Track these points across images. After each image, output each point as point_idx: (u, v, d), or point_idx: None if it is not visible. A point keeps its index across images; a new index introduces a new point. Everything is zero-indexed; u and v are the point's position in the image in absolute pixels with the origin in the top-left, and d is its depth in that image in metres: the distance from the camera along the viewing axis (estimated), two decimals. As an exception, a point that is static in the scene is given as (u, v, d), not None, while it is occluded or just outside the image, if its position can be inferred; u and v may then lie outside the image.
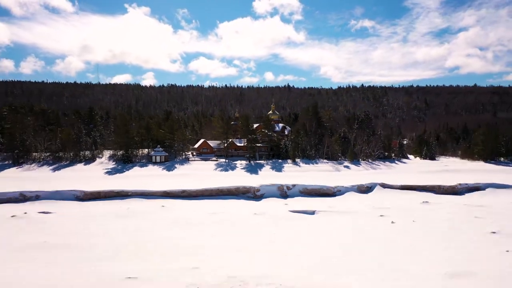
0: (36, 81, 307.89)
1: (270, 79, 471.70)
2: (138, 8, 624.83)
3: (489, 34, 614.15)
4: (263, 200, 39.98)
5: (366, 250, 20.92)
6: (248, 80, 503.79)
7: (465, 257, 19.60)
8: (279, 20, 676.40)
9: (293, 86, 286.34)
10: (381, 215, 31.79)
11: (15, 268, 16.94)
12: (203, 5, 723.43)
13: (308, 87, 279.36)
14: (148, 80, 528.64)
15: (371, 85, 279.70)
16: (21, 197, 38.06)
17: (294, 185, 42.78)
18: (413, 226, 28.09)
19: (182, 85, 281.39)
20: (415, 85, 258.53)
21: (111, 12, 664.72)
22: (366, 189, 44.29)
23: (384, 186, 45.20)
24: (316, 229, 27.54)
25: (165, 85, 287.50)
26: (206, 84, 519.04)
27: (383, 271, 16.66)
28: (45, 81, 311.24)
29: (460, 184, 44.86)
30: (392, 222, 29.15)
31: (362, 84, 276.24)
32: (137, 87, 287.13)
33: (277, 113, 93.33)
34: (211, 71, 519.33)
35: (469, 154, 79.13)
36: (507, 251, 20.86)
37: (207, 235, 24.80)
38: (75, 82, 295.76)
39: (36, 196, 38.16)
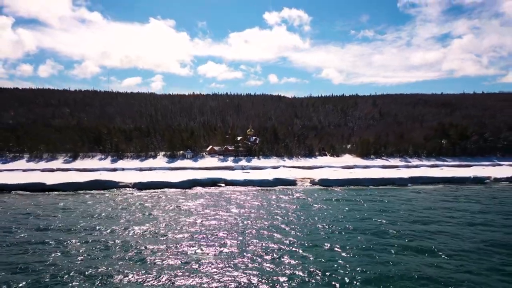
0: (58, 89, 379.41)
1: (274, 81, 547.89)
2: (163, 20, 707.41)
3: (483, 41, 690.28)
4: (235, 170, 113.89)
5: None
6: (253, 83, 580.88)
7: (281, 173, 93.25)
8: (285, 29, 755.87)
9: (283, 96, 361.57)
10: (268, 173, 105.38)
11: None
12: (219, 17, 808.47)
13: (295, 97, 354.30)
14: (156, 83, 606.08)
15: (351, 95, 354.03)
16: (148, 169, 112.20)
17: (247, 165, 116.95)
18: (274, 173, 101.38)
19: (190, 93, 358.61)
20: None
21: (131, 20, 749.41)
22: (276, 167, 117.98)
23: (284, 166, 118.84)
24: (248, 174, 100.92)
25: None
26: (212, 86, 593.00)
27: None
28: (68, 88, 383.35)
29: (314, 165, 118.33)
30: (269, 173, 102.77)
31: (343, 94, 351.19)
32: (152, 97, 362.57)
33: (253, 130, 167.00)
34: (218, 75, 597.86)
35: (356, 153, 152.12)
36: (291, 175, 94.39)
37: (214, 173, 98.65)
38: (93, 90, 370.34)
39: (153, 168, 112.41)
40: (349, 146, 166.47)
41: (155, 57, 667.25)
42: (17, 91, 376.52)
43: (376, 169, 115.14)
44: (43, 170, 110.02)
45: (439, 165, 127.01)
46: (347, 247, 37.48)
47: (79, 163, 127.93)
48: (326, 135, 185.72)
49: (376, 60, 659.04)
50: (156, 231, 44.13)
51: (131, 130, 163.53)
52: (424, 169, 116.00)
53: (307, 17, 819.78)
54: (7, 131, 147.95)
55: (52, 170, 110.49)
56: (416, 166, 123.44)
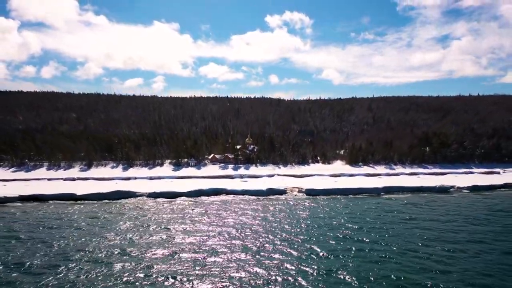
0: (62, 91, 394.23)
1: (275, 82, 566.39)
2: (168, 23, 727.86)
3: (482, 43, 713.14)
4: (234, 179, 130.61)
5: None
6: (254, 84, 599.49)
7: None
8: (286, 32, 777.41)
9: (282, 99, 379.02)
10: (263, 182, 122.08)
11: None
12: (222, 20, 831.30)
13: (294, 99, 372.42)
14: (158, 84, 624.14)
15: (349, 97, 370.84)
16: (158, 178, 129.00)
17: (245, 174, 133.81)
18: (268, 182, 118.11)
19: (191, 95, 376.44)
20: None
21: (135, 22, 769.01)
22: (271, 176, 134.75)
23: (278, 175, 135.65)
24: (246, 183, 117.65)
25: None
26: (213, 87, 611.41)
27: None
28: (71, 91, 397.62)
29: (305, 173, 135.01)
30: (264, 182, 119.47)
31: (340, 97, 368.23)
32: (155, 101, 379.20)
33: (251, 139, 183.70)
34: (219, 76, 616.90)
35: (346, 160, 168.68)
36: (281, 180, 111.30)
37: (216, 182, 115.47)
38: (97, 93, 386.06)
39: (162, 177, 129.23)
40: (342, 151, 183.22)
41: (158, 59, 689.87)
42: (21, 94, 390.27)
43: (360, 177, 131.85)
44: (65, 179, 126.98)
45: (418, 173, 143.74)
46: (303, 240, 54.34)
47: (94, 172, 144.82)
48: (321, 141, 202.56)
49: (376, 60, 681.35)
50: (201, 236, 61.00)
51: (139, 139, 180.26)
52: (402, 177, 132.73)
53: (308, 20, 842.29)
54: (28, 140, 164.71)
55: (73, 179, 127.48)
56: (397, 174, 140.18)
